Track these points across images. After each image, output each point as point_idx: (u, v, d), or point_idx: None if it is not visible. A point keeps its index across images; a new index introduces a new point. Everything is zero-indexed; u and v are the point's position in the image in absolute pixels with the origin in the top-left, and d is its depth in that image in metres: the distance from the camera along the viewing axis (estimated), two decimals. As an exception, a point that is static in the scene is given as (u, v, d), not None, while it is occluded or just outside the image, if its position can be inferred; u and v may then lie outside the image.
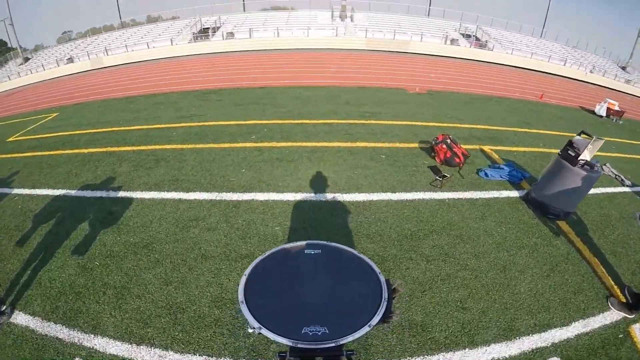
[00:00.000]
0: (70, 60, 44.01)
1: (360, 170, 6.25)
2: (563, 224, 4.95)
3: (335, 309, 1.75)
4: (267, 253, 2.05)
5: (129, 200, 6.09)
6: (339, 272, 1.93)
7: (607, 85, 36.67)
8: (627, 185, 6.68)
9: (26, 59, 53.39)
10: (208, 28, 42.65)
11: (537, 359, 3.09)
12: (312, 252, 2.02)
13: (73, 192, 6.76)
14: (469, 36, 41.60)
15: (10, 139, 12.14)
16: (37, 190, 7.20)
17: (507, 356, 3.10)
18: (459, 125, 9.51)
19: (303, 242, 2.08)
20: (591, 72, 38.74)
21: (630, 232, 5.03)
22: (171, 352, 3.42)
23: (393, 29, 38.72)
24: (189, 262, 4.40)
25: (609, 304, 3.64)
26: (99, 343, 3.73)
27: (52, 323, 4.12)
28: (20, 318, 4.38)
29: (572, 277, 3.97)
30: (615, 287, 3.91)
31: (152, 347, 3.52)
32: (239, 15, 47.47)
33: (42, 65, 45.36)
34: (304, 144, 7.54)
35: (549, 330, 3.33)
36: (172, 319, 3.72)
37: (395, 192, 5.53)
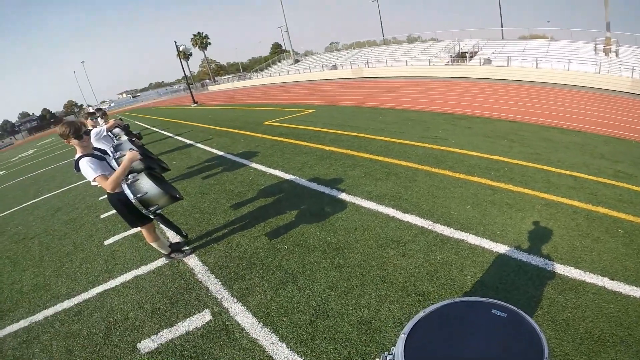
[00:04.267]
0: (334, 67, 48.79)
1: (589, 242, 5.38)
2: None
3: None
4: (457, 299, 1.98)
5: (346, 204, 6.38)
6: (510, 341, 1.77)
7: None
8: None
9: (296, 61, 61.27)
10: (466, 52, 42.18)
11: None
12: (498, 314, 1.87)
13: (301, 181, 7.40)
14: None
15: (267, 123, 14.02)
16: (271, 169, 8.18)
17: None
18: None
19: (494, 301, 1.96)
20: None
21: None
22: (284, 345, 3.47)
23: (668, 70, 30.76)
24: (366, 278, 4.40)
25: None
26: (235, 308, 4.10)
27: (213, 275, 4.72)
28: (191, 261, 5.17)
29: None
30: None
31: (273, 334, 3.64)
32: (496, 41, 45.10)
33: (310, 68, 51.19)
34: (542, 194, 6.91)
35: None
36: (311, 319, 3.79)
37: (613, 280, 4.68)
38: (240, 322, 3.89)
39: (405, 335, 1.72)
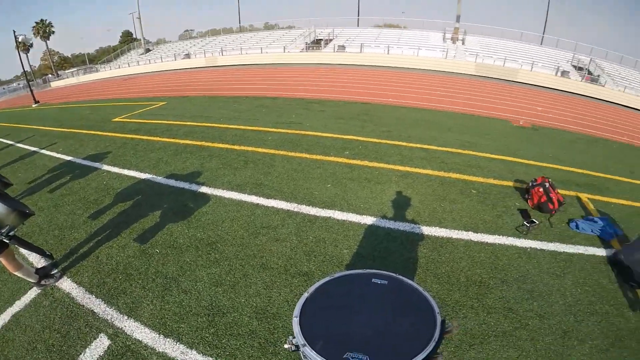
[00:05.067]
0: (187, 56, 47.44)
1: (447, 203, 5.96)
2: (643, 295, 4.44)
3: (383, 341, 1.73)
4: (335, 275, 2.09)
5: (208, 197, 6.21)
6: (398, 305, 1.92)
7: None
8: None
9: (147, 50, 58.17)
10: (321, 39, 43.78)
11: None
12: (379, 282, 2.02)
13: (158, 179, 7.09)
14: (581, 69, 38.35)
15: (116, 120, 13.21)
16: (125, 170, 7.67)
17: None
18: (559, 166, 8.84)
19: (372, 271, 2.10)
20: None
21: None
22: (194, 352, 3.38)
23: (504, 56, 36.76)
24: (247, 268, 4.39)
25: None
26: (129, 326, 3.79)
27: (93, 296, 4.30)
28: (65, 284, 4.64)
29: (633, 355, 3.52)
30: None
31: (178, 343, 3.50)
32: (352, 29, 47.77)
33: (161, 57, 49.13)
34: (397, 167, 7.37)
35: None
36: (209, 320, 3.70)
37: (477, 233, 5.20)
38: (141, 340, 3.63)
39: (298, 318, 1.79)
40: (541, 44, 45.52)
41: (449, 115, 14.10)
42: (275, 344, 3.33)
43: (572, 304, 4.07)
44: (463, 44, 41.63)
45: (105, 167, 8.15)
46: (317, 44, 43.66)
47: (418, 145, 8.95)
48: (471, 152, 8.81)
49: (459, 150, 8.87)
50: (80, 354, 3.66)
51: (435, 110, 15.12)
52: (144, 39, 62.05)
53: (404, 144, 9.05)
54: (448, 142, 9.61)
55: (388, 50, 38.42)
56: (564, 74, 35.58)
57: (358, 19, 51.84)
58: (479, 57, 36.59)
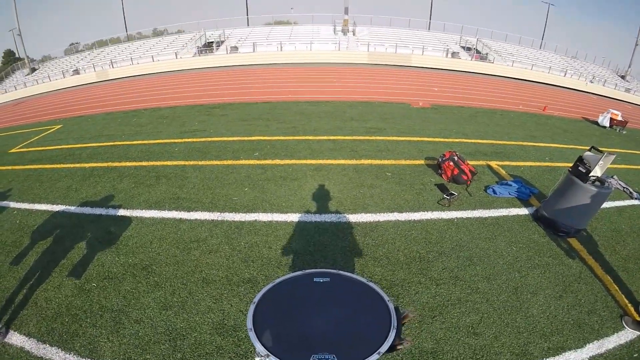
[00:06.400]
0: (76, 71, 44.43)
1: (366, 189, 6.13)
2: (574, 242, 4.85)
3: (345, 336, 1.77)
4: (277, 281, 2.09)
5: (129, 219, 6.02)
6: (348, 300, 1.97)
7: (608, 95, 37.00)
8: (636, 198, 6.56)
9: (33, 70, 53.69)
10: (212, 42, 43.35)
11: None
12: (321, 281, 2.06)
13: (72, 209, 6.68)
14: (469, 49, 41.90)
15: (13, 150, 12.13)
16: (36, 205, 7.12)
17: (521, 383, 2.97)
18: (464, 140, 9.45)
19: (311, 270, 2.13)
20: (591, 82, 39.04)
21: (641, 246, 4.97)
22: None
23: (395, 43, 38.94)
24: (190, 285, 4.32)
25: (623, 323, 3.56)
26: None
27: (47, 345, 4.06)
28: (15, 338, 4.31)
29: (586, 296, 3.88)
30: (629, 305, 3.81)
31: None
32: (243, 29, 47.88)
33: (49, 76, 45.75)
34: (309, 161, 7.44)
35: (563, 353, 3.22)
36: (172, 345, 3.63)
37: (402, 212, 5.40)
38: (113, 379, 3.51)
39: (252, 330, 1.79)
40: (429, 29, 48.80)
41: (350, 105, 14.49)
42: (245, 356, 3.33)
43: (513, 262, 4.33)
44: (354, 34, 43.25)
45: (14, 205, 7.45)
46: (209, 47, 43.04)
47: (325, 137, 9.12)
48: (378, 138, 9.15)
49: (366, 137, 9.17)
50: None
51: (336, 101, 15.47)
52: (28, 57, 57.31)
53: (311, 137, 9.18)
54: (354, 130, 9.91)
55: (281, 48, 39.06)
56: (454, 55, 38.39)
57: (248, 19, 51.90)
58: (371, 46, 38.39)
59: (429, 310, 3.55)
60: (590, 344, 3.33)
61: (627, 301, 3.86)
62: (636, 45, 48.77)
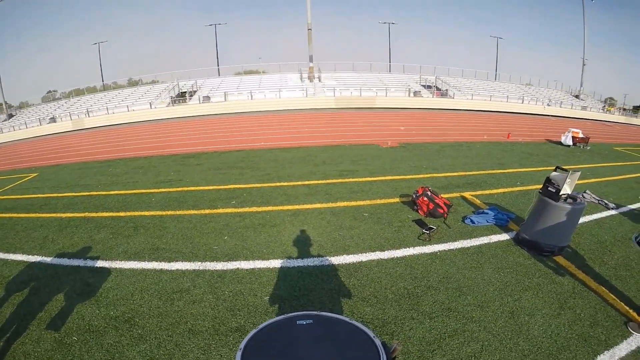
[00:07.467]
0: (53, 119, 44.25)
1: (345, 230, 6.08)
2: (560, 259, 4.86)
3: None
4: (260, 326, 2.00)
5: (108, 271, 5.84)
6: (333, 341, 1.89)
7: (566, 115, 39.60)
8: (612, 208, 6.80)
9: (10, 116, 52.89)
10: (185, 92, 44.15)
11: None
12: (304, 323, 1.98)
13: (49, 260, 6.46)
14: (429, 87, 43.63)
15: None
16: (11, 255, 6.90)
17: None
18: (436, 174, 9.57)
19: (293, 314, 2.06)
20: (548, 105, 41.62)
21: (628, 253, 5.09)
22: None
23: (359, 87, 40.37)
24: (176, 337, 4.11)
25: (629, 328, 3.53)
26: None
27: None
28: None
29: (585, 310, 3.84)
30: (631, 310, 3.80)
31: None
32: (214, 79, 49.41)
33: (25, 123, 45.25)
34: (285, 207, 7.39)
35: (576, 369, 3.13)
36: None
37: (384, 251, 5.34)
38: None
39: None
40: (390, 71, 50.98)
41: (321, 149, 14.67)
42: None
43: (503, 287, 4.28)
44: (320, 81, 44.66)
45: (-11, 255, 7.16)
46: (182, 96, 43.82)
47: (299, 183, 9.13)
48: (351, 180, 9.20)
49: (340, 180, 9.21)
50: None
51: (307, 146, 15.63)
52: (6, 103, 56.62)
53: (286, 183, 9.19)
54: (327, 174, 9.95)
55: (251, 96, 40.13)
56: (416, 93, 39.91)
57: (218, 69, 53.48)
58: (337, 90, 39.64)
59: (426, 345, 3.45)
60: (601, 355, 3.27)
61: (627, 308, 3.86)
62: (583, 65, 51.74)
